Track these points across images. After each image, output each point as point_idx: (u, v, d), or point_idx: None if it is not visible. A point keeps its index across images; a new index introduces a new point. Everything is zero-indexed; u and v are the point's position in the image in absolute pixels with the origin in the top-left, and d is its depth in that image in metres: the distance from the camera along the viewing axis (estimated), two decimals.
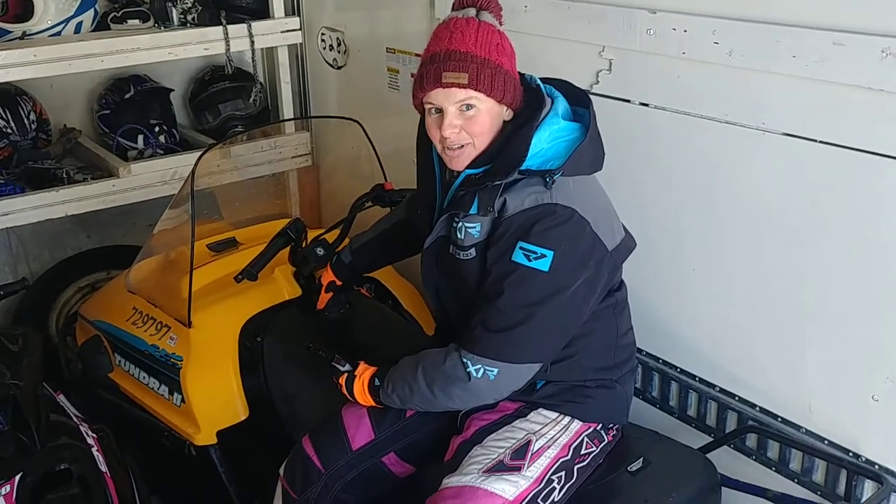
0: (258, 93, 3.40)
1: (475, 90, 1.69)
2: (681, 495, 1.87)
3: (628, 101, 2.17)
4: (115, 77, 3.40)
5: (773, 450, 2.06)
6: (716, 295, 2.11)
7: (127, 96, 3.34)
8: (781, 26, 1.79)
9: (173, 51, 3.08)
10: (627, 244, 1.87)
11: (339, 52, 3.25)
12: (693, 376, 2.21)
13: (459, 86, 1.68)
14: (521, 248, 1.67)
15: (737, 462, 2.10)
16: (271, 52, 3.41)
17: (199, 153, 2.52)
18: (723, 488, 1.96)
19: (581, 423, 1.86)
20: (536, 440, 1.81)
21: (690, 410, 2.24)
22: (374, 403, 1.90)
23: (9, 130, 3.14)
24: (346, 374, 1.92)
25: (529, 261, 1.67)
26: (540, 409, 1.85)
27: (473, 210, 1.73)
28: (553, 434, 1.83)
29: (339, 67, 3.28)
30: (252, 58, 3.30)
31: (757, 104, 1.90)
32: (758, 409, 2.07)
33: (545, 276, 1.67)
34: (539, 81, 1.81)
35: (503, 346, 1.70)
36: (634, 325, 1.99)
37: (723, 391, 2.14)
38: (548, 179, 1.68)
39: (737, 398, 2.11)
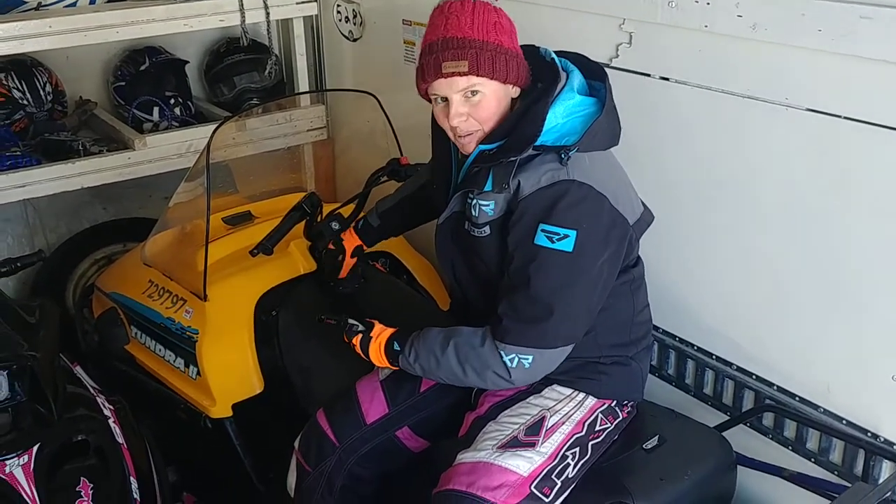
0: (273, 65, 3.38)
1: (477, 76, 1.66)
2: (696, 473, 1.86)
3: (648, 75, 2.14)
4: (130, 49, 3.38)
5: (791, 429, 2.05)
6: (735, 272, 2.09)
7: (142, 68, 3.33)
8: None
9: (188, 22, 3.07)
10: (646, 218, 1.85)
11: (354, 24, 3.22)
12: (710, 354, 2.19)
13: (460, 74, 1.66)
14: (542, 230, 1.65)
15: (753, 441, 2.09)
16: (287, 24, 3.38)
17: (214, 126, 2.51)
18: (738, 467, 1.96)
19: (596, 399, 1.85)
20: (551, 416, 1.80)
21: (707, 388, 2.22)
22: (388, 365, 1.88)
23: (25, 102, 3.14)
24: (360, 335, 1.90)
25: (553, 243, 1.65)
26: (554, 386, 1.84)
27: (488, 187, 1.71)
28: (567, 410, 1.82)
29: (355, 40, 3.25)
30: (267, 29, 3.27)
31: (780, 79, 1.86)
32: (775, 387, 2.06)
33: (570, 256, 1.65)
34: (554, 55, 1.78)
35: (536, 333, 1.69)
36: (651, 302, 1.97)
37: (740, 369, 2.13)
38: (563, 156, 1.65)
39: (754, 377, 2.10)
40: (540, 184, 1.67)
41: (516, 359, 1.70)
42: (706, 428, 1.99)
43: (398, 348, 1.84)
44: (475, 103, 1.69)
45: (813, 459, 2.01)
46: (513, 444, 1.76)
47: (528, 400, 1.83)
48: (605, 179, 1.70)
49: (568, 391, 1.84)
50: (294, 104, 3.37)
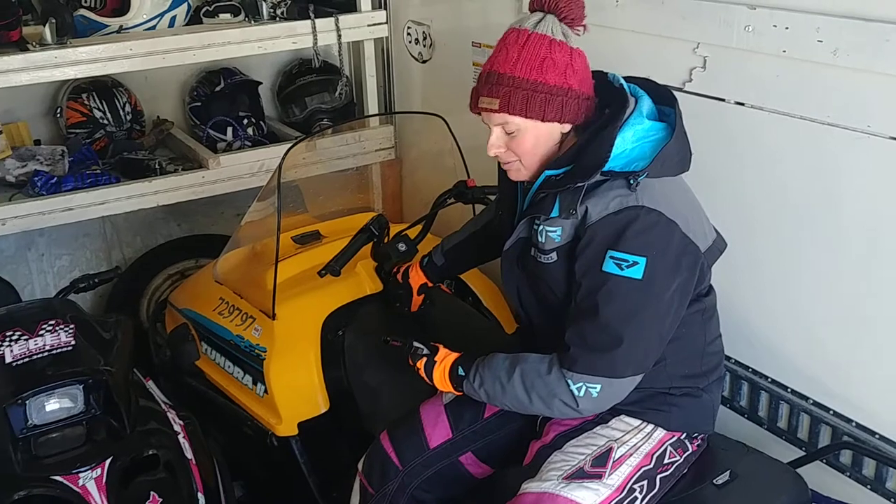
0: (344, 86, 3.43)
1: (508, 114, 1.68)
2: None
3: (723, 99, 2.10)
4: (206, 70, 3.48)
5: (870, 467, 1.97)
6: (813, 303, 2.03)
7: (217, 89, 3.41)
8: (891, 24, 1.69)
9: (263, 44, 3.13)
10: (718, 245, 1.81)
11: (424, 45, 3.25)
12: (785, 387, 2.13)
13: (492, 111, 1.69)
14: (611, 257, 1.63)
15: (829, 478, 2.01)
16: (357, 46, 3.43)
17: (285, 146, 2.55)
18: None
19: (664, 431, 1.81)
20: (618, 447, 1.77)
21: (781, 422, 2.16)
22: (452, 390, 1.87)
23: (105, 121, 3.25)
24: (425, 359, 1.90)
25: (621, 270, 1.62)
26: (622, 416, 1.81)
27: (555, 213, 1.69)
28: (635, 442, 1.78)
29: (425, 61, 3.28)
30: (339, 51, 3.32)
31: (862, 106, 1.80)
32: (854, 424, 1.98)
33: (639, 284, 1.62)
34: (623, 81, 1.76)
35: (605, 362, 1.66)
36: (724, 332, 1.92)
37: (816, 404, 2.06)
38: (631, 181, 1.63)
39: (831, 412, 2.03)
40: (608, 210, 1.64)
41: (584, 387, 1.67)
42: (780, 464, 1.92)
43: (462, 373, 1.83)
44: (512, 138, 1.72)
45: (893, 500, 1.93)
46: (579, 475, 1.73)
47: (594, 430, 1.80)
48: (676, 205, 1.67)
49: (636, 422, 1.80)
50: (363, 124, 3.40)
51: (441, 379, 1.87)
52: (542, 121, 1.69)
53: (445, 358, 1.88)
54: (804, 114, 1.92)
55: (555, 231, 1.71)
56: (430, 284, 2.31)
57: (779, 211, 2.05)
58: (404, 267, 2.34)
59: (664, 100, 1.76)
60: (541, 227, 1.72)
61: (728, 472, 1.83)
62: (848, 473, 2.01)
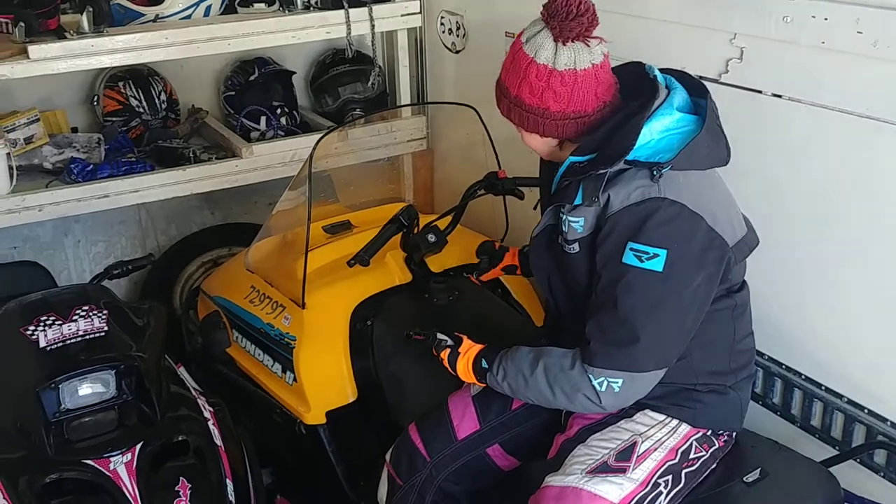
0: (377, 76, 3.42)
1: (508, 118, 1.75)
2: None
3: (760, 91, 2.06)
4: (240, 59, 3.49)
5: None
6: (850, 300, 1.99)
7: (251, 78, 3.42)
8: None
9: (296, 34, 3.14)
10: (749, 241, 1.77)
11: (457, 35, 3.23)
12: (819, 385, 2.09)
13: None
14: (631, 248, 1.60)
15: (862, 478, 1.98)
16: (391, 36, 3.42)
17: (317, 136, 2.55)
18: None
19: (689, 426, 1.79)
20: (642, 442, 1.75)
21: (814, 420, 2.12)
22: (476, 381, 1.87)
23: (141, 110, 3.28)
24: (448, 350, 1.90)
25: (641, 262, 1.59)
26: (647, 411, 1.79)
27: (578, 201, 1.67)
28: (660, 437, 1.77)
29: (458, 52, 3.26)
30: (372, 41, 3.31)
31: None
32: (889, 423, 1.94)
33: (660, 276, 1.59)
34: (657, 72, 1.73)
35: (625, 356, 1.64)
36: (757, 328, 1.89)
37: (851, 402, 2.02)
38: (655, 172, 1.60)
39: (866, 411, 1.99)
40: (630, 200, 1.62)
41: (605, 382, 1.66)
42: (812, 462, 1.89)
43: (486, 366, 1.83)
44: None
45: None
46: (603, 469, 1.72)
47: (619, 424, 1.79)
48: (702, 199, 1.64)
49: (661, 417, 1.78)
50: (395, 115, 3.40)
51: (465, 370, 1.87)
52: (526, 131, 1.73)
53: (469, 349, 1.88)
54: (842, 106, 1.88)
55: (577, 221, 1.69)
56: (518, 272, 2.29)
57: (815, 205, 2.01)
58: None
59: (698, 92, 1.72)
60: (565, 217, 1.71)
61: (759, 470, 1.81)
62: (882, 473, 1.97)
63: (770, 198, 2.07)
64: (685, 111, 1.69)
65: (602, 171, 1.63)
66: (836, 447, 2.06)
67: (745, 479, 1.79)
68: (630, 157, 1.62)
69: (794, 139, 2.02)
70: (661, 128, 1.64)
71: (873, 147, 1.85)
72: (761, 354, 2.18)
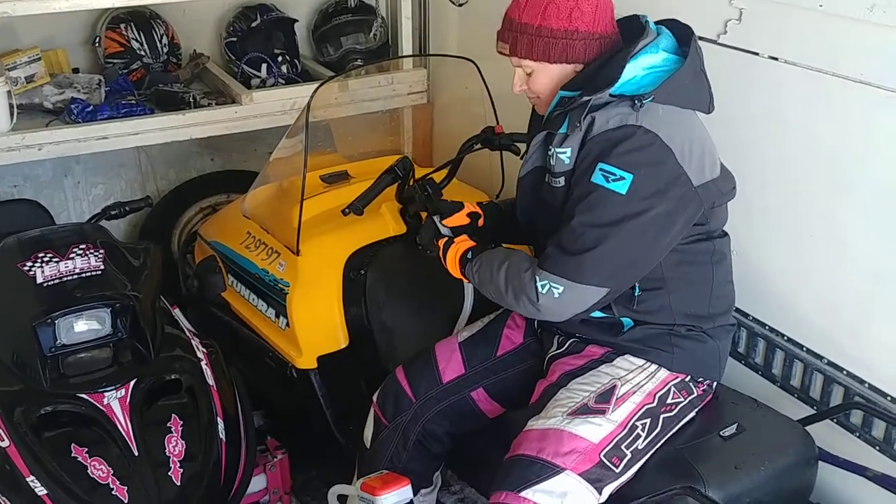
0: (379, 27, 3.41)
1: (518, 57, 1.79)
2: (774, 465, 1.83)
3: (757, 53, 2.06)
4: (243, 5, 3.48)
5: (879, 429, 1.98)
6: (832, 263, 2.01)
7: (253, 25, 3.41)
8: None
9: None
10: (720, 186, 1.80)
11: None
12: (800, 346, 2.13)
13: (505, 54, 1.82)
14: (600, 168, 1.68)
15: (838, 437, 2.02)
16: None
17: (318, 85, 2.56)
18: (820, 463, 1.91)
19: (668, 371, 1.84)
20: (622, 385, 1.80)
21: (794, 380, 2.16)
22: (459, 275, 1.95)
23: (142, 53, 3.28)
24: (446, 238, 1.98)
25: (608, 182, 1.67)
26: (627, 355, 1.84)
27: (563, 129, 1.74)
28: (639, 380, 1.82)
29: (461, 5, 3.24)
30: None
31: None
32: (866, 385, 1.98)
33: (621, 198, 1.66)
34: (649, 20, 1.80)
35: (571, 264, 1.70)
36: (743, 288, 1.93)
37: (830, 364, 2.06)
38: (636, 102, 1.68)
39: (845, 372, 2.03)
40: (608, 125, 1.70)
41: (548, 286, 1.72)
42: (789, 420, 1.94)
43: (470, 257, 1.90)
44: (529, 76, 1.82)
45: None
46: (583, 411, 1.77)
47: (599, 368, 1.84)
48: (677, 135, 1.70)
49: (640, 362, 1.83)
50: (396, 67, 3.39)
51: (452, 260, 1.95)
52: (550, 62, 1.77)
53: (462, 241, 1.96)
54: (837, 71, 1.89)
55: (564, 153, 1.76)
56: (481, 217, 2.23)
57: (805, 168, 2.03)
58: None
59: (686, 40, 1.78)
60: (553, 150, 1.78)
61: (736, 425, 1.86)
62: (857, 434, 2.01)
63: (759, 157, 2.09)
64: (670, 52, 1.75)
65: (586, 99, 1.70)
66: (815, 407, 2.10)
67: (721, 433, 1.84)
68: (615, 91, 1.70)
69: (788, 102, 2.03)
70: (647, 64, 1.72)
71: (865, 111, 1.86)
72: (745, 315, 2.22)
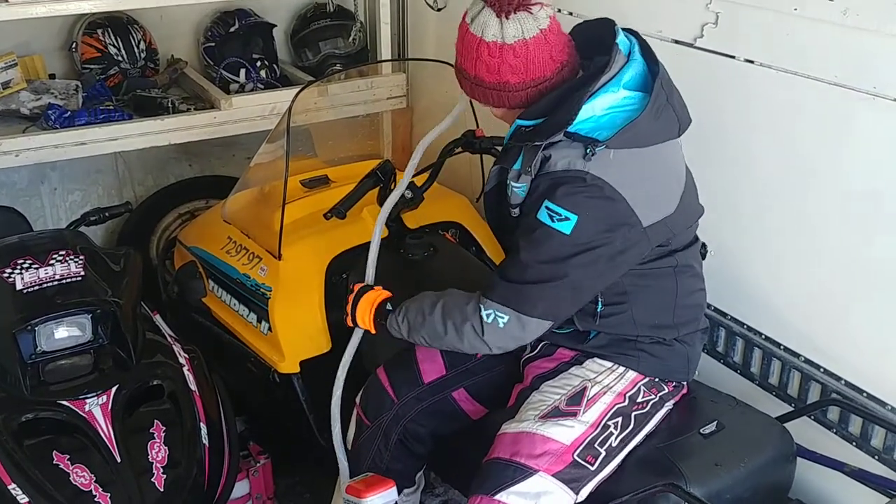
0: (358, 32, 3.42)
1: (472, 97, 1.80)
2: (753, 462, 1.85)
3: (733, 56, 2.10)
4: (221, 10, 3.47)
5: (856, 425, 2.01)
6: (808, 262, 2.05)
7: (232, 30, 3.41)
8: None
9: None
10: (673, 225, 1.76)
11: None
12: (778, 344, 2.16)
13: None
14: (546, 206, 1.66)
15: (816, 434, 2.06)
16: None
17: (297, 90, 2.56)
18: (798, 459, 1.93)
19: (636, 373, 1.85)
20: (592, 387, 1.82)
21: (772, 378, 2.20)
22: (368, 327, 1.95)
23: (119, 58, 3.26)
24: (362, 284, 1.98)
25: (552, 221, 1.66)
26: (595, 358, 1.86)
27: (517, 166, 1.73)
28: (608, 382, 1.83)
29: (440, 9, 3.25)
30: None
31: (869, 67, 1.81)
32: (843, 382, 2.02)
33: (566, 238, 1.66)
34: (623, 37, 1.73)
35: (516, 296, 1.71)
36: (722, 288, 1.96)
37: (808, 361, 2.09)
38: (588, 150, 1.64)
39: (822, 370, 2.06)
40: (557, 167, 1.67)
41: (493, 315, 1.73)
42: (767, 417, 1.96)
43: (390, 308, 1.90)
44: None
45: (877, 457, 1.97)
46: (554, 413, 1.79)
47: (569, 371, 1.86)
48: (628, 179, 1.67)
49: (609, 364, 1.85)
50: (375, 71, 3.40)
51: (364, 309, 1.95)
52: (490, 106, 1.77)
53: (380, 294, 1.96)
54: (811, 73, 1.92)
55: (520, 187, 1.75)
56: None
57: (781, 169, 2.07)
58: None
59: (655, 67, 1.73)
60: (510, 183, 1.77)
61: (715, 423, 1.88)
62: (835, 430, 2.05)
63: (735, 160, 2.13)
64: (636, 87, 1.70)
65: (538, 143, 1.68)
66: (793, 404, 2.14)
67: (701, 430, 1.86)
68: (571, 128, 1.66)
69: (765, 104, 2.06)
70: (605, 105, 1.67)
71: (840, 113, 1.90)
72: (724, 314, 2.25)
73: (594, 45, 1.75)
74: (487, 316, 1.73)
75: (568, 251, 1.67)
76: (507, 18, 1.64)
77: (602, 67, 1.69)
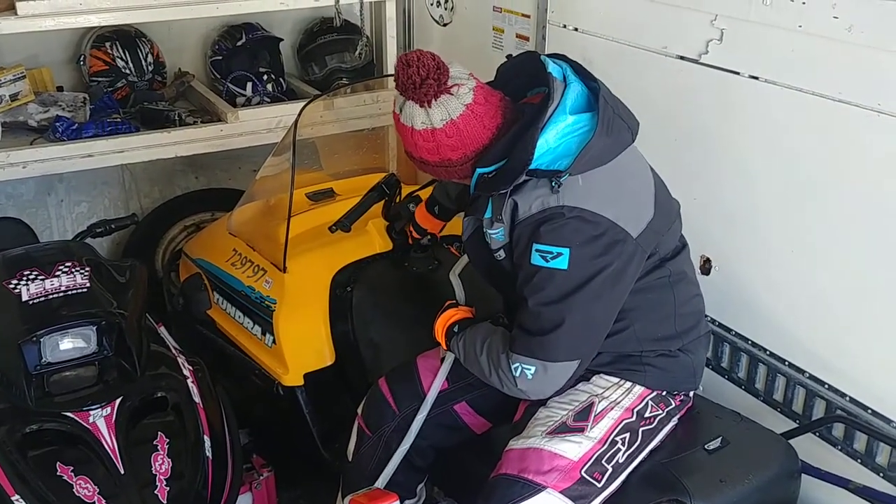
0: (364, 46, 3.44)
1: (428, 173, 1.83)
2: (758, 478, 1.84)
3: (737, 73, 2.11)
4: (228, 24, 3.49)
5: (861, 442, 2.01)
6: (814, 279, 2.05)
7: (239, 43, 3.43)
8: None
9: (285, 1, 3.15)
10: (657, 227, 1.77)
11: (445, 8, 3.25)
12: (782, 360, 2.16)
13: None
14: (536, 249, 1.67)
15: (820, 450, 2.05)
16: (379, 6, 3.43)
17: (303, 103, 2.58)
18: (803, 476, 1.92)
19: (643, 387, 1.85)
20: (599, 402, 1.82)
21: (777, 394, 2.19)
22: (442, 343, 1.95)
23: (127, 71, 3.28)
24: (453, 302, 1.99)
25: (547, 262, 1.67)
26: (601, 374, 1.86)
27: (488, 214, 1.75)
28: (615, 397, 1.83)
29: (445, 24, 3.28)
30: (360, 11, 3.32)
31: (874, 84, 1.81)
32: (848, 398, 2.01)
33: (565, 273, 1.66)
34: (552, 66, 1.72)
35: (539, 345, 1.71)
36: (726, 304, 1.95)
37: (812, 377, 2.09)
38: (553, 183, 1.65)
39: (826, 386, 2.06)
40: (531, 211, 1.69)
41: (520, 368, 1.73)
42: (772, 433, 1.96)
43: (456, 330, 1.90)
44: None
45: (881, 474, 1.96)
46: (562, 429, 1.79)
47: (577, 387, 1.85)
48: (604, 196, 1.68)
49: (615, 379, 1.85)
50: (381, 85, 3.42)
51: (439, 326, 1.95)
52: (443, 178, 1.81)
53: (456, 313, 1.96)
54: (816, 90, 1.93)
55: (497, 232, 1.76)
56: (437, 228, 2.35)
57: (785, 185, 2.07)
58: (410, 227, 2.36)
59: (592, 83, 1.73)
60: (486, 230, 1.78)
61: (720, 439, 1.87)
62: (839, 447, 2.04)
63: (740, 174, 2.13)
64: (581, 109, 1.71)
65: (503, 191, 1.69)
66: (797, 420, 2.13)
67: (706, 446, 1.86)
68: (532, 166, 1.67)
69: (769, 120, 2.07)
70: (558, 134, 1.68)
71: (844, 130, 1.90)
72: (728, 330, 2.25)
73: (527, 80, 1.78)
74: (515, 369, 1.74)
75: (571, 286, 1.67)
76: (430, 106, 1.68)
77: (545, 100, 1.69)
